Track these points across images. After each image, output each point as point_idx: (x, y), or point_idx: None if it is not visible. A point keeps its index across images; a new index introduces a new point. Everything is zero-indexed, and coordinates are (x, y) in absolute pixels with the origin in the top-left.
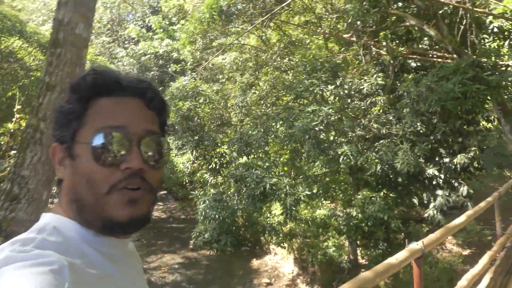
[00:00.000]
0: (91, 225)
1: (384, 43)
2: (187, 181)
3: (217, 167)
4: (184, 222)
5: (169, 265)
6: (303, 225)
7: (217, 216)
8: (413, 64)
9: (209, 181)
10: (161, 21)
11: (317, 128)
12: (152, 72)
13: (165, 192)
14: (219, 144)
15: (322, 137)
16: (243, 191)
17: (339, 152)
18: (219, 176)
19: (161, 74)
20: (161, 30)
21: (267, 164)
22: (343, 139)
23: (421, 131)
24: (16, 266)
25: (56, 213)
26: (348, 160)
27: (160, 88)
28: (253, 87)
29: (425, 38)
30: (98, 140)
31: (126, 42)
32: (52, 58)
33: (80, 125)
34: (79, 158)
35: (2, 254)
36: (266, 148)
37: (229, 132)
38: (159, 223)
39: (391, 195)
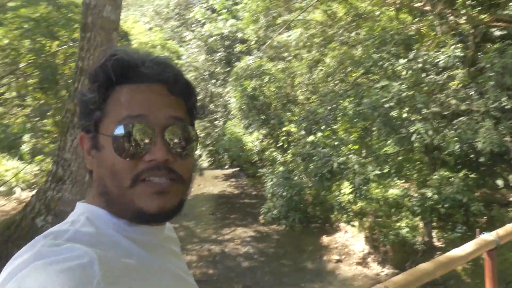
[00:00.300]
0: (122, 216)
1: (462, 11)
2: (256, 159)
3: (285, 146)
4: (255, 198)
5: (241, 238)
6: (374, 204)
7: (284, 193)
8: (498, 33)
9: (278, 159)
10: (224, 2)
11: (387, 105)
12: (219, 54)
13: (237, 169)
14: (285, 123)
15: (393, 114)
16: (310, 169)
17: (411, 130)
18: (287, 154)
19: (228, 55)
20: (225, 10)
21: (335, 142)
22: (417, 117)
23: (506, 106)
24: (46, 262)
25: (90, 203)
26: (421, 138)
27: (228, 69)
28: (320, 64)
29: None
30: (119, 132)
31: (193, 25)
32: (83, 43)
33: (102, 116)
34: (104, 149)
35: (35, 249)
36: (333, 126)
37: (296, 110)
38: (232, 198)
39: (471, 176)
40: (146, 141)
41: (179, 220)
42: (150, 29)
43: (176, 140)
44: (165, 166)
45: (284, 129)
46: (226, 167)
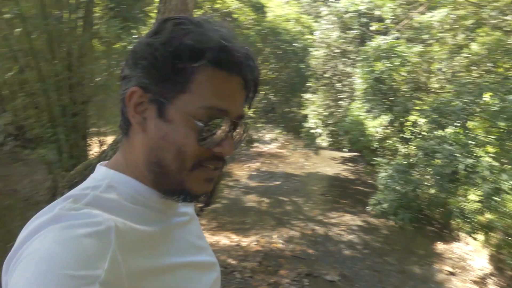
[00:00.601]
0: (160, 189)
1: None
2: (377, 146)
3: (409, 137)
4: (371, 187)
5: (348, 225)
6: (507, 220)
7: (398, 188)
8: None
9: (399, 150)
10: None
11: None
12: (353, 31)
13: (357, 154)
14: (412, 112)
15: None
16: (432, 167)
17: None
18: (410, 147)
19: (363, 34)
20: None
21: (467, 141)
22: None
23: None
24: (62, 226)
25: (114, 168)
26: None
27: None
28: (464, 50)
29: None
30: (203, 118)
31: (330, 0)
32: (160, 5)
33: (184, 89)
34: (174, 124)
35: (53, 211)
36: (468, 123)
37: (426, 99)
38: (346, 182)
39: None
40: (222, 136)
41: (289, 195)
42: (287, 2)
43: (238, 137)
44: (223, 158)
45: (410, 118)
46: (345, 149)
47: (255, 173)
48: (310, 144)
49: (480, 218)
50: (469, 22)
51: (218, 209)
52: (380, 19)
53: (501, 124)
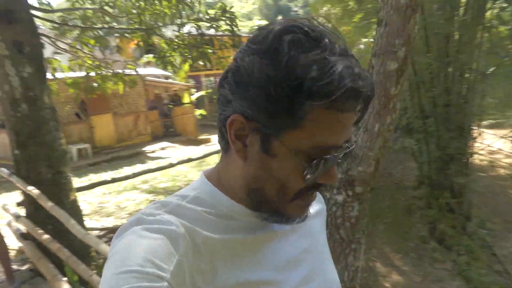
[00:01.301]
0: (256, 210)
1: None
2: None
3: None
4: None
5: None
6: None
7: None
8: None
9: None
10: None
11: None
12: None
13: None
14: None
15: None
16: None
17: None
18: None
19: None
20: None
21: None
22: None
23: None
24: (137, 229)
25: (209, 179)
26: None
27: None
28: None
29: None
30: (311, 156)
31: None
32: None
33: (296, 126)
34: (277, 159)
35: (136, 216)
36: None
37: None
38: None
39: None
40: (329, 168)
41: None
42: None
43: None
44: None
45: None
46: None
47: None
48: None
49: None
50: None
51: None
52: None
53: None
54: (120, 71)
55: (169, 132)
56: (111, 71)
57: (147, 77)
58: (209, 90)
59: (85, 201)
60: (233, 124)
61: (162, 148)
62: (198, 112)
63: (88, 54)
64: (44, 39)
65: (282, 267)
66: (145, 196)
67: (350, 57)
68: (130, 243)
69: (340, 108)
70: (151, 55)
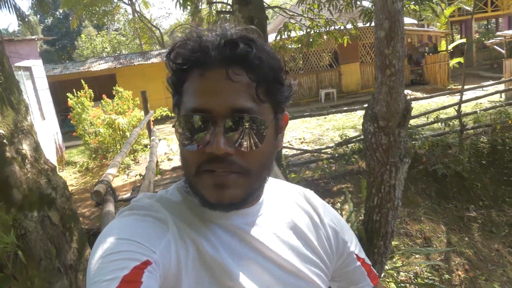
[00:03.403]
0: (195, 196)
1: None
2: None
3: None
4: None
5: None
6: None
7: None
8: None
9: None
10: None
11: None
12: None
13: None
14: None
15: None
16: None
17: None
18: None
19: None
20: None
21: None
22: None
23: None
24: (128, 213)
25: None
26: None
27: None
28: None
29: None
30: (181, 124)
31: None
32: None
33: (179, 101)
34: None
35: (135, 203)
36: None
37: None
38: None
39: None
40: (206, 135)
41: None
42: None
43: (239, 133)
44: (226, 159)
45: None
46: None
47: None
48: None
49: None
50: None
51: None
52: None
53: None
54: (338, 27)
55: (417, 80)
56: (325, 29)
57: None
58: (476, 36)
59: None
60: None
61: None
62: (455, 60)
63: (310, 17)
64: (275, 11)
65: (230, 256)
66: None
67: (205, 35)
68: (124, 221)
69: (201, 65)
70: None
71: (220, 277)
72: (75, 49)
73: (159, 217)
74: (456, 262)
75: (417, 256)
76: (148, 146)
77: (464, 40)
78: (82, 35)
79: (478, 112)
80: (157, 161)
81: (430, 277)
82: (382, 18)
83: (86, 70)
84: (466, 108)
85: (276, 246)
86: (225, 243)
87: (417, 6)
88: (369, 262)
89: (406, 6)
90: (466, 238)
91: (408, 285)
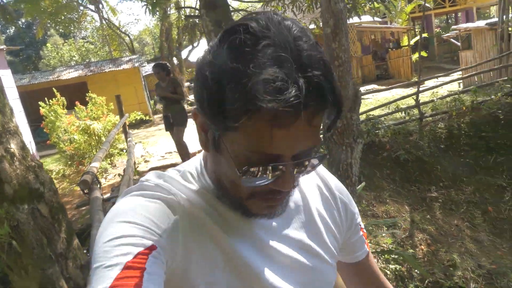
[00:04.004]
0: (222, 199)
1: None
2: None
3: None
4: None
5: None
6: None
7: None
8: None
9: None
10: None
11: None
12: None
13: None
14: None
15: None
16: None
17: None
18: None
19: None
20: None
21: None
22: None
23: None
24: (137, 193)
25: (202, 157)
26: None
27: None
28: None
29: None
30: (247, 162)
31: None
32: None
33: (231, 129)
34: (223, 157)
35: (139, 182)
36: None
37: None
38: None
39: None
40: (273, 177)
41: None
42: None
43: (303, 168)
44: (287, 192)
45: None
46: None
47: None
48: None
49: None
50: None
51: None
52: None
53: None
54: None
55: (382, 75)
56: None
57: (363, 24)
58: (436, 30)
59: None
60: (196, 117)
61: (367, 90)
62: (417, 54)
63: None
64: (242, 14)
65: (260, 257)
66: None
67: (285, 62)
68: (132, 204)
69: (273, 123)
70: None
71: (242, 271)
72: (40, 58)
73: (168, 199)
74: (419, 237)
75: (383, 234)
76: (124, 150)
77: (425, 35)
78: (48, 44)
79: (435, 100)
80: (134, 162)
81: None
82: (327, 17)
83: (56, 79)
84: (425, 97)
85: (293, 240)
86: (246, 233)
87: (374, 4)
88: (364, 229)
89: (369, 4)
90: (428, 216)
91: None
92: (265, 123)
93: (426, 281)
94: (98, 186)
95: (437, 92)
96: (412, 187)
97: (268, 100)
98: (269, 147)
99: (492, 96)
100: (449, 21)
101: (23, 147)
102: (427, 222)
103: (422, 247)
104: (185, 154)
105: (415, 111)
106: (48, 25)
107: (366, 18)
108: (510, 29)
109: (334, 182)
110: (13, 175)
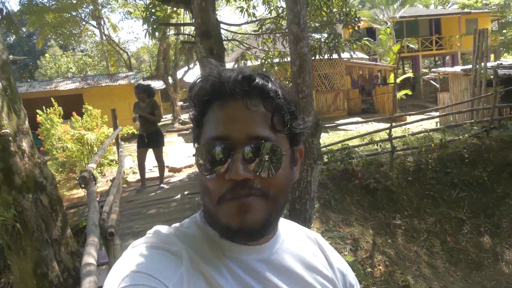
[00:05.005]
0: (214, 228)
1: None
2: None
3: None
4: None
5: None
6: None
7: None
8: None
9: None
10: None
11: None
12: None
13: None
14: None
15: None
16: None
17: None
18: None
19: None
20: None
21: None
22: None
23: None
24: (143, 245)
25: (202, 211)
26: None
27: None
28: None
29: None
30: (201, 153)
31: None
32: None
33: (200, 133)
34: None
35: (150, 234)
36: None
37: None
38: None
39: None
40: (225, 162)
41: None
42: None
43: (257, 159)
44: (246, 185)
45: None
46: None
47: None
48: None
49: None
50: None
51: None
52: None
53: None
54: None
55: (368, 109)
56: (279, 60)
57: (352, 60)
58: (424, 70)
59: None
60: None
61: (351, 123)
62: (403, 92)
63: (265, 49)
64: (233, 43)
65: None
66: None
67: (226, 70)
68: (140, 255)
69: (219, 98)
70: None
71: None
72: (37, 68)
73: (174, 250)
74: (379, 258)
75: (345, 253)
76: (114, 162)
77: (410, 74)
78: (46, 55)
79: (407, 136)
80: (123, 172)
81: (354, 270)
82: (294, 58)
83: (53, 89)
84: (400, 133)
85: (291, 284)
86: (240, 279)
87: (353, 45)
88: None
89: (348, 44)
90: (390, 241)
91: None
92: (214, 112)
93: None
94: (94, 182)
95: (408, 128)
96: (378, 213)
97: (200, 85)
98: (216, 129)
99: (460, 136)
100: (439, 62)
101: (32, 146)
102: (388, 246)
103: (380, 267)
104: (162, 168)
105: (388, 144)
106: (49, 36)
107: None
108: (481, 76)
109: (334, 254)
110: (22, 168)
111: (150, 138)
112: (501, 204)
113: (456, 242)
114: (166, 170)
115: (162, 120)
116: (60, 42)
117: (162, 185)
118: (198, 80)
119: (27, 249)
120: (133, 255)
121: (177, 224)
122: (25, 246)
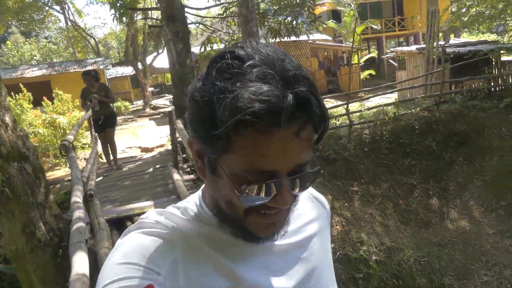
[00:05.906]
0: (223, 226)
1: None
2: None
3: None
4: None
5: None
6: None
7: None
8: None
9: None
10: None
11: None
12: None
13: None
14: None
15: None
16: None
17: None
18: None
19: None
20: None
21: None
22: None
23: None
24: (136, 232)
25: (201, 197)
26: None
27: None
28: None
29: None
30: (243, 181)
31: None
32: None
33: (226, 150)
34: (221, 179)
35: (139, 221)
36: None
37: None
38: None
39: None
40: (270, 194)
41: None
42: None
43: (300, 185)
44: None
45: None
46: None
47: None
48: None
49: None
50: None
51: None
52: None
53: None
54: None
55: (334, 89)
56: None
57: (317, 42)
58: (387, 51)
59: None
60: (192, 145)
61: None
62: (367, 72)
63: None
64: (197, 27)
65: (267, 276)
66: None
67: (270, 78)
68: (131, 242)
69: (264, 137)
70: (330, 21)
71: None
72: None
73: (166, 235)
74: (336, 219)
75: None
76: (87, 145)
77: (374, 55)
78: (8, 42)
79: (363, 111)
80: (97, 152)
81: None
82: (245, 37)
83: (19, 76)
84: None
85: (294, 268)
86: (247, 261)
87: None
88: None
89: (305, 26)
90: (347, 204)
91: None
92: (256, 138)
93: (338, 254)
94: (73, 150)
95: (364, 104)
96: (337, 182)
97: (254, 108)
98: (263, 163)
99: (412, 110)
100: (404, 44)
101: (14, 121)
102: (345, 209)
103: (337, 227)
104: (114, 151)
105: (347, 119)
106: (10, 22)
107: (320, 36)
108: (432, 54)
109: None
110: (7, 140)
111: (106, 120)
112: (448, 170)
113: (407, 204)
114: (139, 150)
115: (132, 106)
116: (22, 28)
117: (120, 163)
118: (253, 98)
119: (15, 211)
120: (124, 244)
121: (172, 208)
122: (14, 209)
